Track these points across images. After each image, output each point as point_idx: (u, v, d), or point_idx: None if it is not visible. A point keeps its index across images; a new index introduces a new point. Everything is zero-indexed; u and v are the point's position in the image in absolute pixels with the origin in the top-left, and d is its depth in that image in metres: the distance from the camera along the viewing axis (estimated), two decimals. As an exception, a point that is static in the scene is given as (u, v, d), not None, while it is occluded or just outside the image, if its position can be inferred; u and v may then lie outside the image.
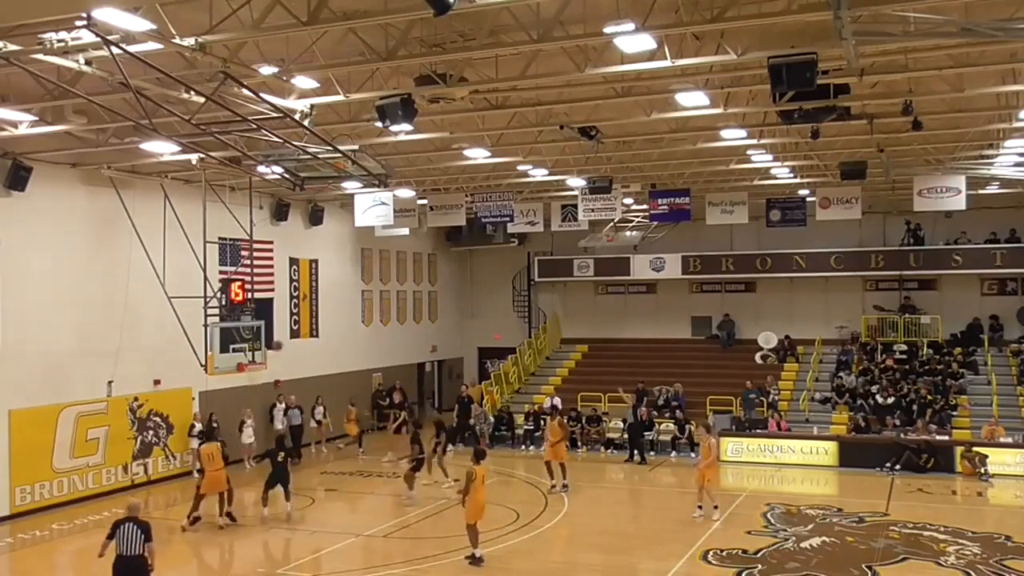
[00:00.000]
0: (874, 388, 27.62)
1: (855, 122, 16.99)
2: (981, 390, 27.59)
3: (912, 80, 15.33)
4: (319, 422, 27.21)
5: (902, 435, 24.28)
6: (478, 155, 20.81)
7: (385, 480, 23.07)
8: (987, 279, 31.26)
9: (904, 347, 30.39)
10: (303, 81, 14.02)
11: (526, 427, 28.19)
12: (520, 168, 22.95)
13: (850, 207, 23.83)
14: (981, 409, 26.11)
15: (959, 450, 22.95)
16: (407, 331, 34.26)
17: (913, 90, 15.74)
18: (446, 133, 18.72)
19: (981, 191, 25.75)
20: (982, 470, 22.28)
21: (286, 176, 17.01)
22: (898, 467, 22.93)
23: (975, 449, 22.75)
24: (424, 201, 26.28)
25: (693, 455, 24.65)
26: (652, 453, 25.75)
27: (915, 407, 26.14)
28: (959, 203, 22.37)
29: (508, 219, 25.76)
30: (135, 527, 12.13)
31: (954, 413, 26.03)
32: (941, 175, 22.49)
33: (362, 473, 23.99)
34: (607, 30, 11.87)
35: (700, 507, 18.56)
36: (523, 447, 27.61)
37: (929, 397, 26.50)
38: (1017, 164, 22.29)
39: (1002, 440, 23.46)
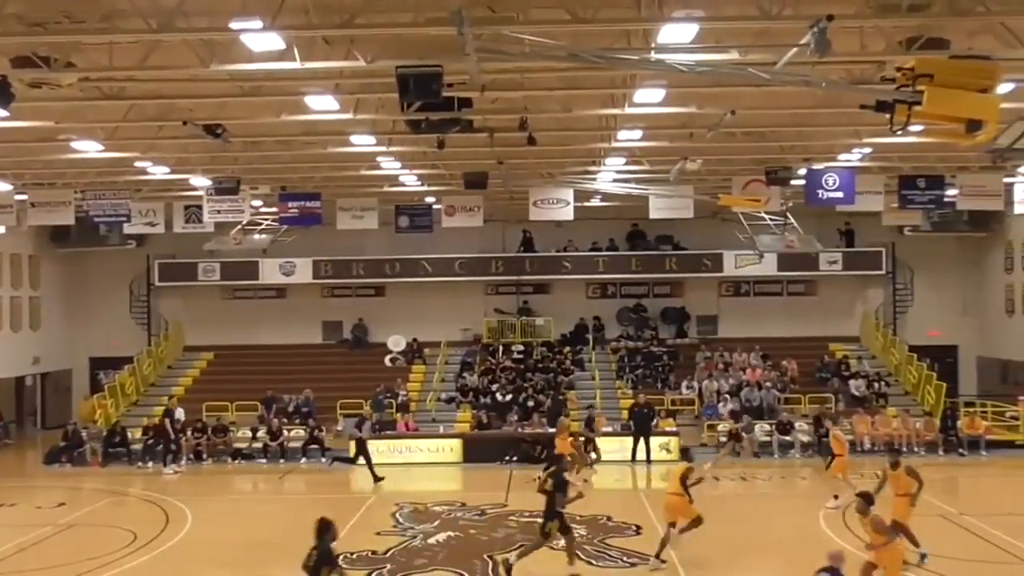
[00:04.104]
0: (494, 387, 29.38)
1: (477, 135, 17.88)
2: (587, 384, 30.45)
3: (527, 98, 16.50)
4: None
5: (519, 429, 26.03)
6: (89, 148, 19.09)
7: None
8: (591, 284, 34.49)
9: (521, 347, 32.62)
10: None
11: (145, 440, 26.21)
12: (138, 165, 21.48)
13: (473, 215, 25.06)
14: (587, 402, 28.75)
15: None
16: (3, 341, 30.62)
17: (528, 108, 16.95)
18: (51, 123, 17.03)
19: (586, 203, 28.26)
20: (590, 457, 24.43)
21: None
22: (515, 459, 24.48)
23: (581, 438, 24.89)
24: (24, 196, 23.65)
25: (323, 460, 24.60)
26: (282, 461, 25.29)
27: (530, 403, 28.13)
28: (568, 214, 24.45)
29: (124, 219, 23.96)
30: None
31: (565, 406, 28.38)
32: (553, 187, 24.40)
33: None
34: (233, 25, 11.45)
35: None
36: (139, 464, 25.62)
37: (542, 393, 28.67)
38: (615, 180, 24.83)
39: (604, 429, 25.95)
